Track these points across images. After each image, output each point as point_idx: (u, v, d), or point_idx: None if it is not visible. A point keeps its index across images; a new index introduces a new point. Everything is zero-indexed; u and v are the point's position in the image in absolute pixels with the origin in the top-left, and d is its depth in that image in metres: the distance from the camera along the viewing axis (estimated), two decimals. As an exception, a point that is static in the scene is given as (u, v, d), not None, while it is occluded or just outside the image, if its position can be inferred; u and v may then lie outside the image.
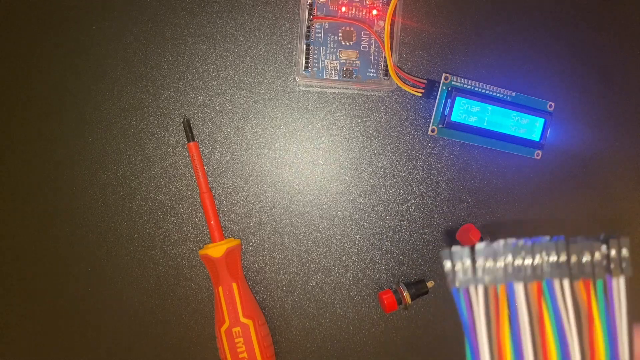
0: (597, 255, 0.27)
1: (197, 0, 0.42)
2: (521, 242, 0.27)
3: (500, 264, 0.28)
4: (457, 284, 0.28)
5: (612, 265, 0.28)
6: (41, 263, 0.42)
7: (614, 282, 0.27)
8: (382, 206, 0.43)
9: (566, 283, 0.27)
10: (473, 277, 0.28)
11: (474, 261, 0.28)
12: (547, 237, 0.28)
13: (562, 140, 0.44)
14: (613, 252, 0.28)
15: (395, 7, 0.41)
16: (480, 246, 0.27)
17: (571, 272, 0.27)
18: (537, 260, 0.27)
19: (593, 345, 0.27)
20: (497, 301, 0.28)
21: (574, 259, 0.28)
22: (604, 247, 0.28)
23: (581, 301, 0.27)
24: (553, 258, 0.27)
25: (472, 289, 0.28)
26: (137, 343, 0.43)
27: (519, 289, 0.27)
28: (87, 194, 0.42)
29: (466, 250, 0.28)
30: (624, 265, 0.28)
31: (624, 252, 0.27)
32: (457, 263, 0.28)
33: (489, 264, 0.28)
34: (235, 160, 0.43)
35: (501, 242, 0.27)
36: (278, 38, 0.43)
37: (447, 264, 0.28)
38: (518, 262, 0.27)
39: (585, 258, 0.28)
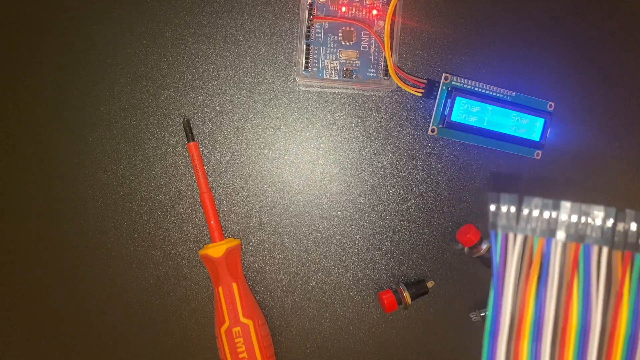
0: None
1: (197, 0, 0.42)
2: (571, 202, 0.27)
3: (546, 217, 0.27)
4: (498, 228, 0.27)
5: None
6: (41, 263, 0.42)
7: None
8: (382, 206, 0.43)
9: (605, 251, 0.27)
10: (515, 224, 0.27)
11: (520, 209, 0.27)
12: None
13: (562, 140, 0.44)
14: None
15: (395, 7, 0.41)
16: (530, 198, 0.27)
17: (614, 240, 0.27)
18: (583, 220, 0.27)
19: (616, 319, 0.27)
20: (532, 254, 0.27)
21: (620, 227, 0.27)
22: None
23: (615, 272, 0.27)
24: (599, 222, 0.27)
25: (510, 236, 0.27)
26: (137, 343, 0.43)
27: (558, 246, 0.27)
28: (87, 194, 0.42)
29: (514, 197, 0.27)
30: None
31: None
32: (503, 207, 0.27)
33: (535, 215, 0.27)
34: (235, 160, 0.43)
35: (550, 199, 0.27)
36: (278, 38, 0.43)
37: (492, 206, 0.27)
38: (563, 219, 0.27)
39: (633, 229, 0.27)
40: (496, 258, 0.27)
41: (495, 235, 0.27)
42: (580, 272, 0.27)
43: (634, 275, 0.27)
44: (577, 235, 0.27)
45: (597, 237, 0.27)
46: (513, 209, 0.27)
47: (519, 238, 0.27)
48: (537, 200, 0.27)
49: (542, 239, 0.27)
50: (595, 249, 0.27)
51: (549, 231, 0.27)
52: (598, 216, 0.27)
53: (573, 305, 0.27)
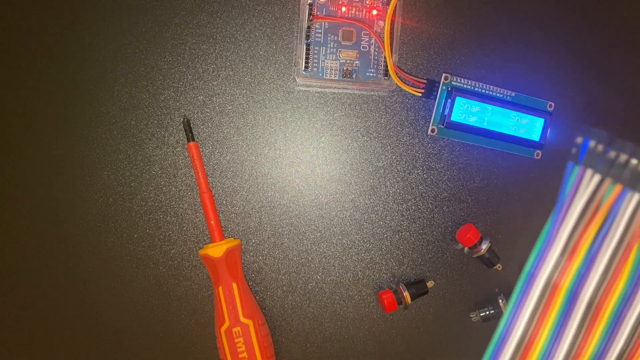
0: None
1: (197, 0, 0.42)
2: None
3: (632, 166, 0.24)
4: (579, 161, 0.24)
5: None
6: (41, 263, 0.42)
7: None
8: (382, 206, 0.43)
9: None
10: (597, 163, 0.24)
11: (607, 150, 0.24)
12: None
13: (562, 140, 0.44)
14: None
15: (395, 7, 0.41)
16: (623, 141, 0.24)
17: None
18: None
19: None
20: (602, 198, 0.24)
21: None
22: None
23: None
24: None
25: (588, 173, 0.24)
26: (137, 343, 0.43)
27: (632, 202, 0.24)
28: (87, 194, 0.42)
29: (607, 136, 0.25)
30: None
31: None
32: (592, 143, 0.24)
33: (622, 160, 0.24)
34: (235, 160, 0.43)
35: None
36: (278, 38, 0.43)
37: (579, 139, 0.25)
38: None
39: None
40: (565, 192, 0.25)
41: (573, 169, 0.25)
42: None
43: None
44: None
45: None
46: (600, 147, 0.25)
47: (595, 179, 0.24)
48: (629, 145, 0.25)
49: (619, 186, 0.24)
50: None
51: (630, 182, 0.24)
52: None
53: (629, 262, 0.24)
